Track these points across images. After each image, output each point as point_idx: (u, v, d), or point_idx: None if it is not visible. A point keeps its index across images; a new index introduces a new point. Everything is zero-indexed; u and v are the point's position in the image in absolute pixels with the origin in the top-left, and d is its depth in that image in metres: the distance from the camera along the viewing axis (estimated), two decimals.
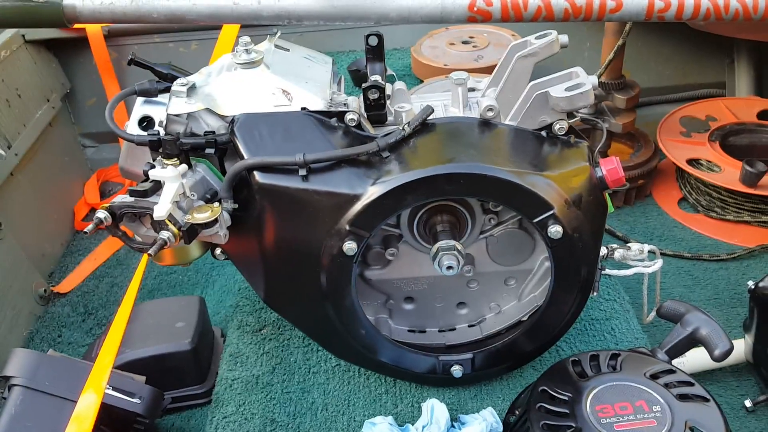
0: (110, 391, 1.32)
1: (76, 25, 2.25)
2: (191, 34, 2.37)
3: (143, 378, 1.39)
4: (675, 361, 1.51)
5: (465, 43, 2.30)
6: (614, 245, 1.44)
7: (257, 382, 1.23)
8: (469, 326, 1.26)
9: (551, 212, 0.99)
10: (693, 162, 2.10)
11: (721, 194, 2.07)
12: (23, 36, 2.19)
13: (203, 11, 1.40)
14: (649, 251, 1.48)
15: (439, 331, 1.27)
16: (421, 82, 2.18)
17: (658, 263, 1.45)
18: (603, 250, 1.43)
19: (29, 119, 2.10)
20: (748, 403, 1.52)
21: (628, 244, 1.45)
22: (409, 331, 1.27)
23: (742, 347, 1.55)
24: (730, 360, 1.57)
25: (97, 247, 2.13)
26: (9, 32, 2.12)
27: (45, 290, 1.96)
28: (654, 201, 2.23)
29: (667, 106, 2.41)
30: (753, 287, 1.44)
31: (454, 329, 1.26)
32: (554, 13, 1.47)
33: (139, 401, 1.34)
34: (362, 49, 1.21)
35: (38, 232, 2.06)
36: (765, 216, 2.02)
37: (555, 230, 1.00)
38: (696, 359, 1.54)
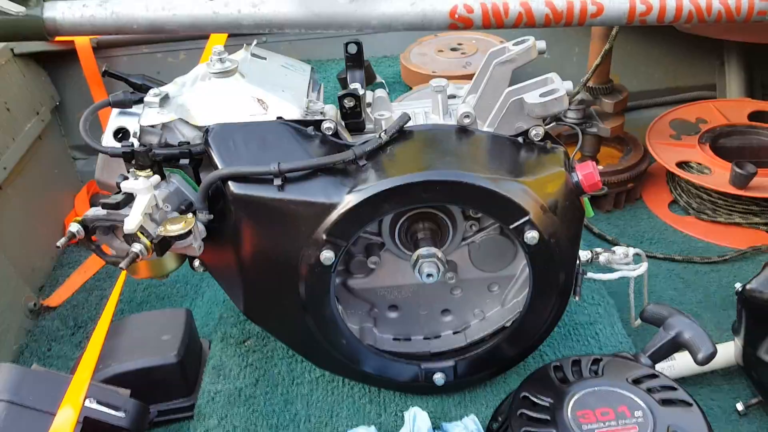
0: (94, 405, 1.30)
1: (65, 38, 2.25)
2: (179, 44, 2.37)
3: (128, 391, 1.37)
4: (664, 365, 1.51)
5: (453, 50, 2.30)
6: (599, 249, 1.44)
7: (240, 395, 1.22)
8: (454, 333, 1.26)
9: (527, 218, 0.99)
10: (683, 165, 2.09)
11: (711, 196, 2.07)
12: (12, 50, 2.19)
13: (183, 21, 1.40)
14: (634, 254, 1.48)
15: (424, 338, 1.26)
16: (410, 89, 2.18)
17: (643, 266, 1.45)
18: (587, 254, 1.43)
19: (18, 132, 2.10)
20: (740, 407, 1.50)
21: (613, 248, 1.45)
22: (394, 339, 1.26)
23: (732, 350, 1.54)
24: (721, 363, 1.56)
25: (87, 260, 2.12)
26: None
27: (35, 304, 1.95)
28: (644, 204, 2.22)
29: (658, 109, 2.42)
30: (740, 289, 1.43)
31: (439, 336, 1.26)
32: (535, 18, 1.46)
33: (123, 415, 1.33)
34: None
35: (28, 245, 2.05)
36: (756, 218, 2.01)
37: (531, 236, 1.00)
38: (685, 363, 1.53)
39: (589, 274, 1.42)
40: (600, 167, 2.16)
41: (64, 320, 1.93)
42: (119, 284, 1.38)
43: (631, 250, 1.47)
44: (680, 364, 1.53)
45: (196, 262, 1.15)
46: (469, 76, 2.11)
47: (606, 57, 2.07)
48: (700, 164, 2.07)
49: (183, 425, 1.53)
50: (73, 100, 2.41)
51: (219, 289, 1.85)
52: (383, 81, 2.08)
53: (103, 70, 1.18)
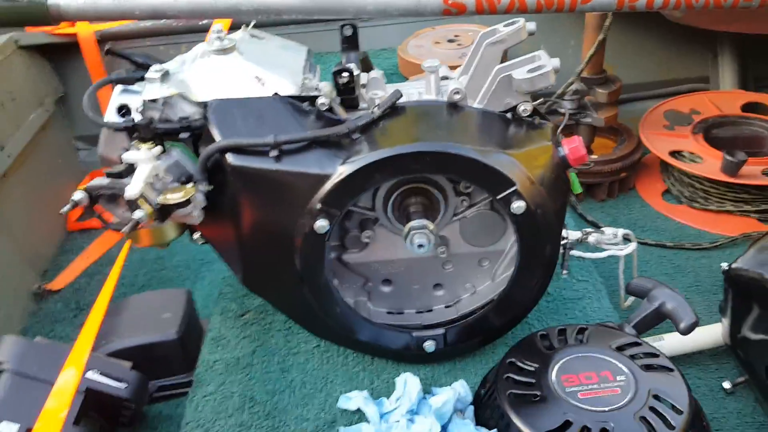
0: (96, 376, 1.35)
1: (69, 30, 2.30)
2: (181, 37, 2.42)
3: (129, 363, 1.42)
4: (654, 345, 1.55)
5: (450, 41, 2.35)
6: (589, 229, 1.48)
7: (238, 363, 1.26)
8: (446, 307, 1.29)
9: (514, 188, 1.03)
10: (675, 154, 2.13)
11: (703, 185, 2.10)
12: (16, 41, 2.23)
13: (183, 7, 1.44)
14: (623, 235, 1.52)
15: (417, 312, 1.30)
16: (407, 80, 2.22)
17: (632, 246, 1.49)
18: (578, 234, 1.47)
19: (22, 122, 2.14)
20: (726, 385, 1.54)
21: (603, 228, 1.49)
22: (387, 313, 1.30)
23: (719, 330, 1.57)
24: (709, 344, 1.60)
25: (90, 246, 2.17)
26: (2, 38, 2.18)
27: (38, 287, 2.00)
28: (638, 194, 2.26)
29: (652, 101, 2.45)
30: (727, 269, 1.46)
31: (431, 310, 1.29)
32: (527, 5, 1.50)
33: (125, 386, 1.37)
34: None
35: (32, 232, 2.10)
36: (747, 205, 2.05)
37: (518, 206, 1.04)
38: (674, 342, 1.57)
39: (579, 253, 1.46)
40: (594, 157, 2.20)
41: (66, 303, 1.97)
42: (122, 255, 1.42)
43: (621, 231, 1.51)
44: (669, 343, 1.57)
45: (197, 234, 1.19)
46: None
47: (600, 48, 2.11)
48: (692, 153, 2.11)
49: (182, 401, 1.57)
50: (77, 92, 2.45)
51: (218, 274, 1.90)
52: (381, 72, 2.12)
53: (106, 49, 1.23)
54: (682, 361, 1.60)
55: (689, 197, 2.14)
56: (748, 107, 2.30)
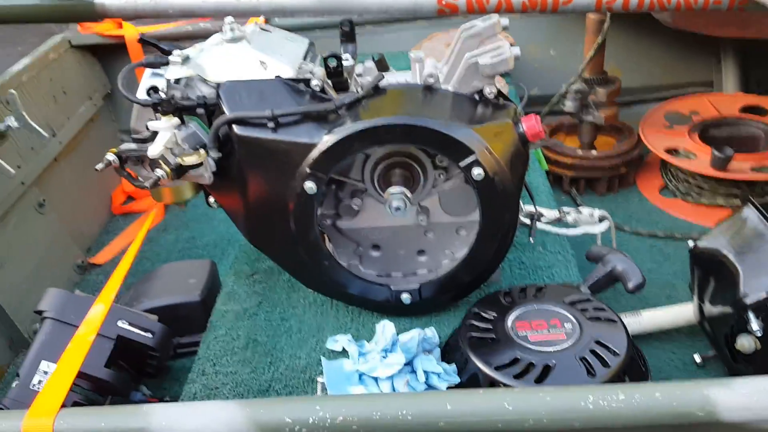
0: (126, 326, 1.54)
1: (117, 32, 2.53)
2: None
3: (155, 317, 1.61)
4: (631, 320, 1.68)
5: None
6: (566, 208, 1.63)
7: (245, 313, 1.45)
8: (428, 271, 1.46)
9: (474, 158, 1.19)
10: (672, 151, 2.25)
11: (696, 180, 2.23)
12: (69, 41, 2.49)
13: (210, 6, 1.66)
14: (600, 216, 1.67)
15: (403, 276, 1.47)
16: None
17: (604, 224, 1.63)
18: (555, 213, 1.62)
19: (73, 113, 2.39)
20: (697, 358, 1.66)
21: (579, 208, 1.64)
22: (377, 276, 1.47)
23: (692, 309, 1.70)
24: (683, 321, 1.71)
25: (130, 226, 2.40)
26: (57, 38, 2.44)
27: (82, 261, 2.23)
28: (638, 190, 2.39)
29: (656, 103, 2.57)
30: (692, 247, 1.59)
31: (416, 274, 1.46)
32: (513, 5, 1.67)
33: (151, 336, 1.57)
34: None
35: (78, 212, 2.33)
36: (737, 200, 2.17)
37: (477, 173, 1.20)
38: (651, 319, 1.70)
39: (555, 229, 1.61)
40: (594, 152, 2.34)
41: (107, 275, 2.16)
42: (149, 218, 1.61)
43: (597, 211, 1.66)
44: (646, 318, 1.70)
45: (211, 199, 1.39)
46: None
47: (599, 50, 2.26)
48: (687, 150, 2.24)
49: None
50: None
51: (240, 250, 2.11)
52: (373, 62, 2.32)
53: (139, 37, 1.44)
54: (659, 337, 1.73)
55: (684, 192, 2.27)
56: (747, 110, 2.41)
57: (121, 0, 1.66)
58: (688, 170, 2.21)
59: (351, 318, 1.41)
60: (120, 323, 1.54)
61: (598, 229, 1.61)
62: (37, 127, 1.95)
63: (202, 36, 2.67)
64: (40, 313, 1.54)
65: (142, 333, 1.56)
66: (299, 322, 1.42)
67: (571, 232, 1.61)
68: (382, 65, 1.51)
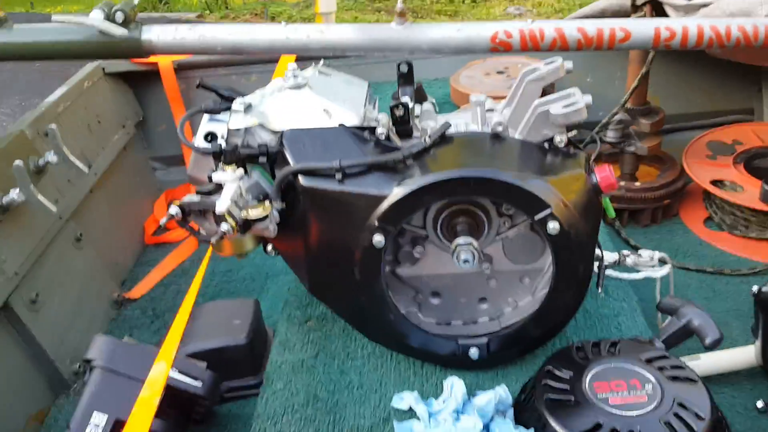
0: (176, 374, 1.50)
1: (152, 59, 2.51)
2: (251, 67, 2.62)
3: (204, 363, 1.57)
4: (691, 364, 1.63)
5: (500, 73, 2.48)
6: (626, 251, 1.59)
7: (302, 365, 1.41)
8: (490, 320, 1.41)
9: (549, 211, 1.15)
10: (717, 183, 2.21)
11: (744, 213, 2.18)
12: (103, 69, 2.47)
13: (260, 44, 1.61)
14: (659, 258, 1.62)
15: (463, 324, 1.42)
16: (458, 108, 2.36)
17: (666, 268, 1.58)
18: (615, 256, 1.58)
19: (107, 143, 2.36)
20: (759, 404, 1.61)
21: (639, 251, 1.59)
22: (436, 324, 1.43)
23: (753, 352, 1.65)
24: (744, 364, 1.67)
25: (165, 259, 2.36)
26: (91, 65, 2.41)
27: (118, 296, 2.19)
28: (681, 221, 2.34)
29: (697, 131, 2.52)
30: (757, 291, 1.54)
31: (476, 322, 1.42)
32: (568, 43, 1.63)
33: (200, 384, 1.53)
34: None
35: (113, 245, 2.30)
36: None
37: (553, 226, 1.16)
38: (710, 362, 1.65)
39: (617, 273, 1.57)
40: (637, 184, 2.30)
41: (143, 310, 2.16)
42: (203, 266, 1.58)
43: (657, 254, 1.61)
44: (705, 362, 1.65)
45: (269, 246, 1.35)
46: None
47: (643, 80, 2.22)
48: (733, 182, 2.19)
49: (249, 401, 1.72)
50: (155, 117, 2.67)
51: (282, 286, 2.07)
52: (434, 101, 2.27)
53: (198, 83, 1.40)
54: (718, 380, 1.67)
55: (730, 225, 2.22)
56: None
57: (168, 37, 1.61)
58: (735, 203, 2.16)
59: (413, 371, 1.37)
60: (170, 372, 1.50)
61: (660, 273, 1.57)
62: (76, 162, 1.92)
63: (238, 63, 2.67)
64: (88, 361, 1.50)
65: (192, 382, 1.52)
66: (359, 376, 1.37)
67: (632, 276, 1.56)
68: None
